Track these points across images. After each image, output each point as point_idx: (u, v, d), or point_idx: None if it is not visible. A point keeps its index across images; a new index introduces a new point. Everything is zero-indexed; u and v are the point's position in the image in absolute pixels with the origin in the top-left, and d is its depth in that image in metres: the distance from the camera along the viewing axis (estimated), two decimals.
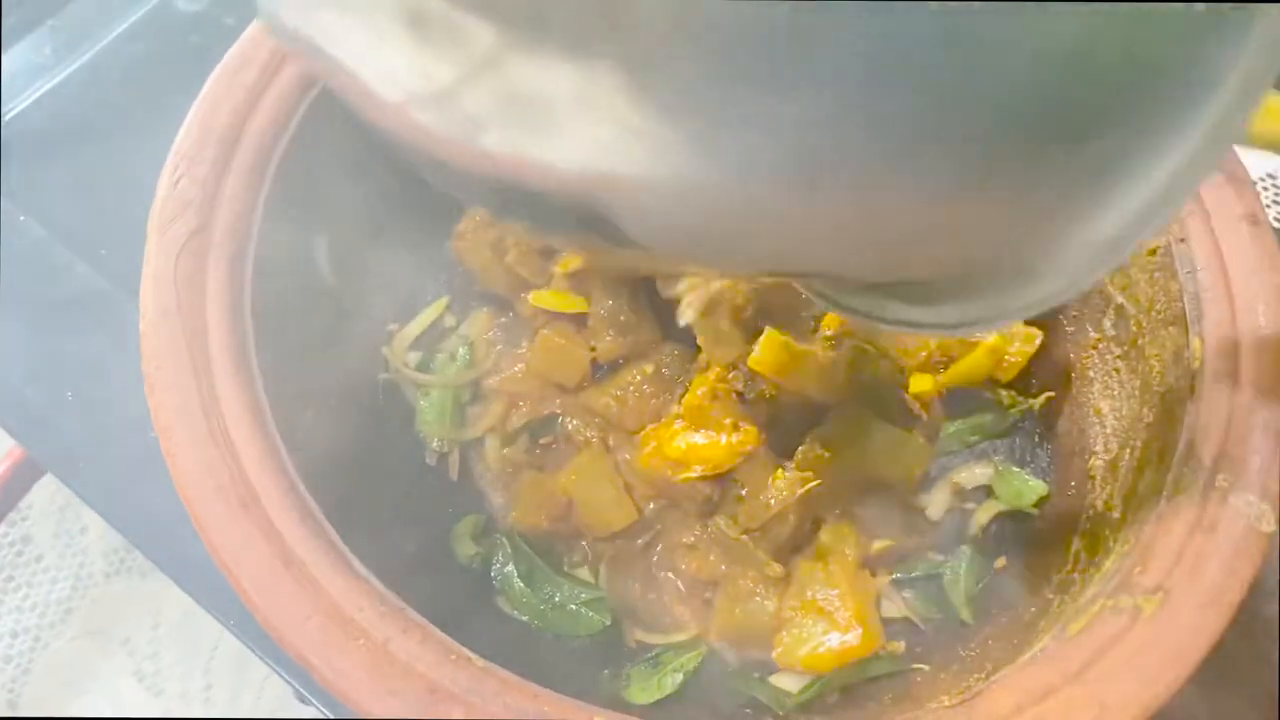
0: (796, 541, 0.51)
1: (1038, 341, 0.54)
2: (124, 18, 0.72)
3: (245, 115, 0.45)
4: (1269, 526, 0.38)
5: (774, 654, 0.49)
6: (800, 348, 0.51)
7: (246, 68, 0.45)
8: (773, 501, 0.49)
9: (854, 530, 0.51)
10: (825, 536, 0.51)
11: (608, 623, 0.51)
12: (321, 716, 0.54)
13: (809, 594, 0.49)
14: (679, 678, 0.49)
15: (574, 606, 0.52)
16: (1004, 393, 0.56)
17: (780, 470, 0.50)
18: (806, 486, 0.49)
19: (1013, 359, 0.54)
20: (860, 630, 0.48)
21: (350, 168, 0.51)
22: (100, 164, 0.67)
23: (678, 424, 0.51)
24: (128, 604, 0.80)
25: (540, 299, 0.55)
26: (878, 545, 0.52)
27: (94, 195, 0.66)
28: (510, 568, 0.52)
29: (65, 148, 0.67)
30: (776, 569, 0.50)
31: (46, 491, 0.85)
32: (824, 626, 0.48)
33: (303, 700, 0.57)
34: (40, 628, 0.79)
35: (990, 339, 0.54)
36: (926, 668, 0.48)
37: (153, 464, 0.37)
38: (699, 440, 0.50)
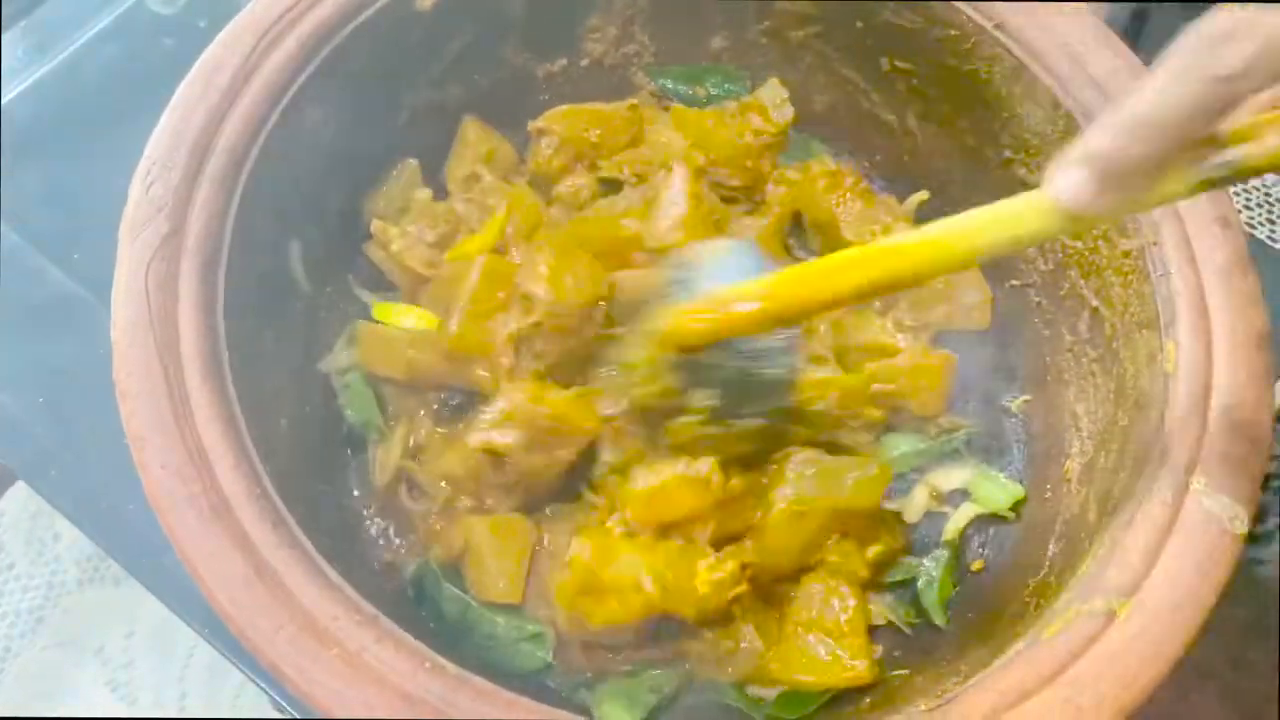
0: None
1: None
2: (96, 20, 0.71)
3: (218, 120, 0.44)
4: (1242, 528, 0.38)
5: (769, 668, 0.48)
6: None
7: (220, 72, 0.45)
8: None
9: (860, 549, 0.51)
10: (833, 555, 0.50)
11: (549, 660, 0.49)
12: None
13: (814, 613, 0.49)
14: (653, 699, 0.48)
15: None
16: (937, 423, 0.57)
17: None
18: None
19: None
20: (865, 663, 0.47)
21: (323, 173, 0.50)
22: (73, 168, 0.66)
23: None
24: (101, 612, 0.79)
25: (381, 312, 0.55)
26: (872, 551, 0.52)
27: (66, 200, 0.65)
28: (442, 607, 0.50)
29: (37, 152, 0.66)
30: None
31: (18, 499, 0.84)
32: (825, 651, 0.48)
33: (278, 709, 0.56)
34: (11, 637, 0.78)
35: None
36: (905, 672, 0.48)
37: (126, 471, 0.37)
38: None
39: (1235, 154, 0.31)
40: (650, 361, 0.47)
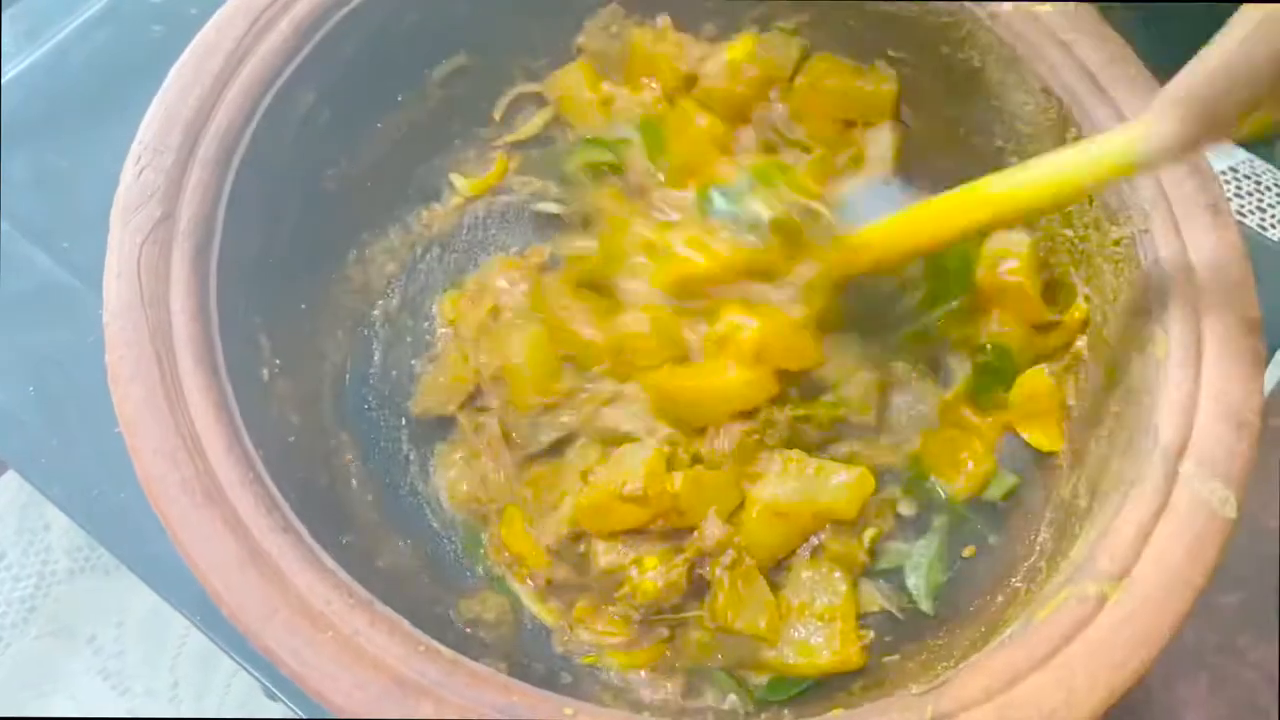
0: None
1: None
2: (86, 6, 0.71)
3: (211, 104, 0.44)
4: (1232, 512, 0.38)
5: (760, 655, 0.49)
6: None
7: (211, 56, 0.45)
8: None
9: (857, 536, 0.51)
10: (833, 544, 0.51)
11: None
12: (290, 714, 0.54)
13: (805, 599, 0.49)
14: None
15: None
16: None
17: None
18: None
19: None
20: (855, 648, 0.47)
21: (316, 157, 0.50)
22: (62, 155, 0.66)
23: None
24: (92, 601, 0.79)
25: None
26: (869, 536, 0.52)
27: (56, 187, 0.65)
28: None
29: (26, 138, 0.66)
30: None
31: (9, 488, 0.84)
32: (818, 637, 0.48)
33: (271, 697, 0.56)
34: (2, 627, 0.78)
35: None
36: (896, 657, 0.48)
37: (117, 459, 0.37)
38: None
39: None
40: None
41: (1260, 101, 0.31)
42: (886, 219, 0.48)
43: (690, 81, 0.59)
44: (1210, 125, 0.32)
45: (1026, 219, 0.52)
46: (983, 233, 0.51)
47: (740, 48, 0.58)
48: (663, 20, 0.59)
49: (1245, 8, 0.30)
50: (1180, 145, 0.34)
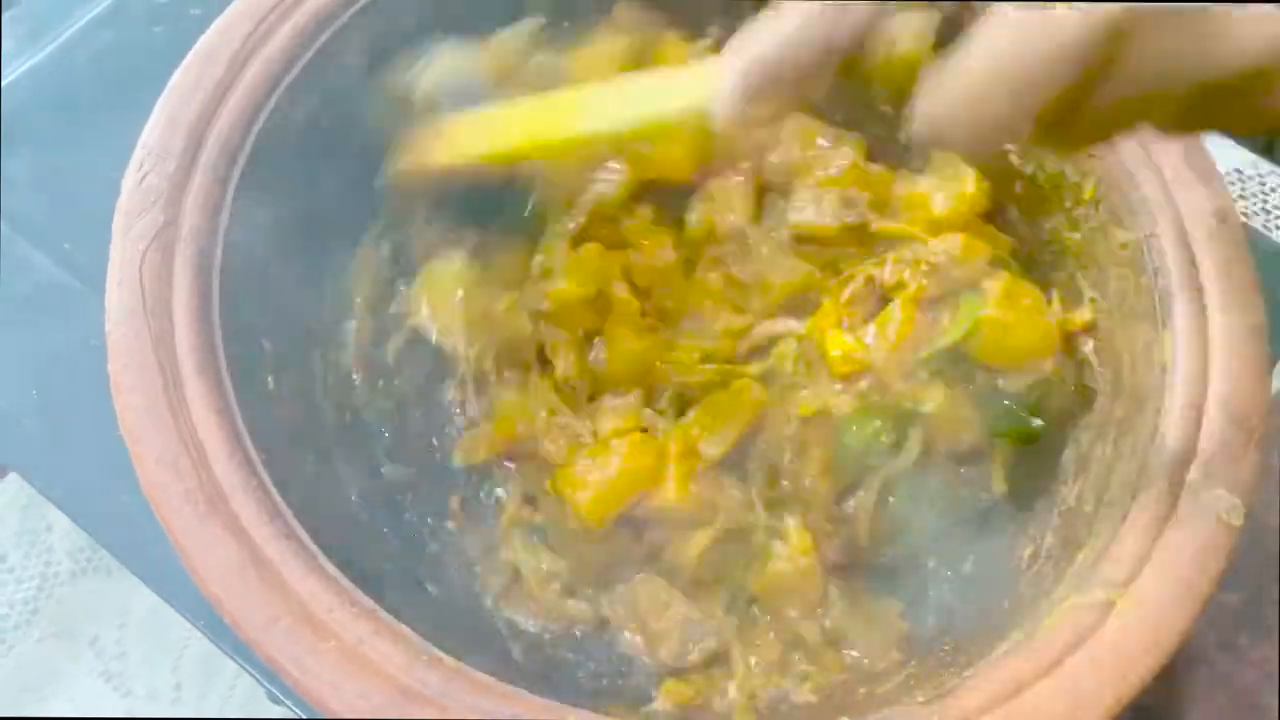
0: None
1: None
2: (88, 8, 0.71)
3: (213, 110, 0.44)
4: (1238, 520, 0.38)
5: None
6: None
7: (214, 61, 0.45)
8: None
9: None
10: None
11: None
12: (292, 716, 0.54)
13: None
14: None
15: None
16: None
17: None
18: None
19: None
20: None
21: (320, 162, 0.50)
22: (64, 157, 0.65)
23: None
24: (95, 603, 0.79)
25: None
26: None
27: (57, 188, 0.65)
28: None
29: (27, 139, 0.66)
30: None
31: (10, 490, 0.84)
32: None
33: (274, 700, 0.56)
34: (5, 629, 0.77)
35: None
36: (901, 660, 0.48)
37: (119, 462, 0.37)
38: None
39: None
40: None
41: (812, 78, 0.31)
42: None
43: None
44: (769, 94, 0.32)
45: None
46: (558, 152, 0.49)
47: None
48: None
49: None
50: (737, 111, 0.33)
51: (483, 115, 0.46)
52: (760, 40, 0.32)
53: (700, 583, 0.50)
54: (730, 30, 0.59)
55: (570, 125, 0.42)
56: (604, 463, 0.49)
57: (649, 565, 0.50)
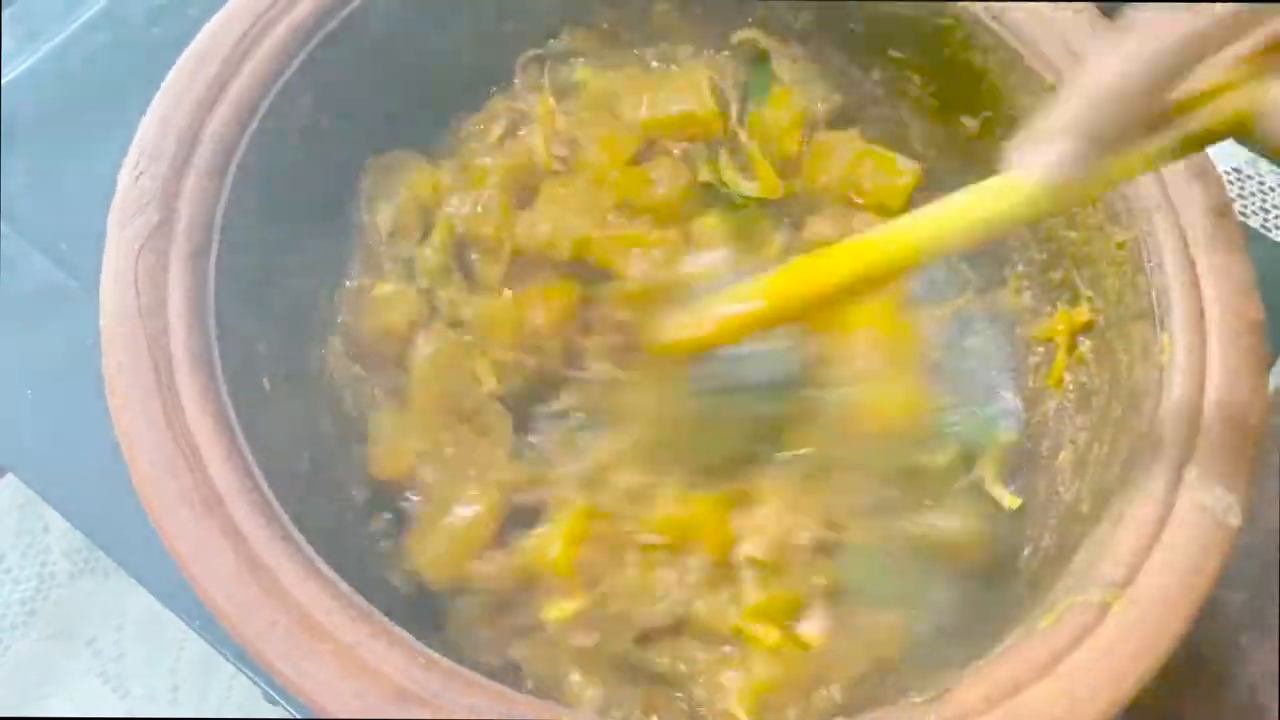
0: None
1: None
2: (84, 8, 0.71)
3: (207, 110, 0.44)
4: (1235, 520, 0.38)
5: None
6: None
7: (209, 62, 0.45)
8: None
9: None
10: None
11: None
12: (289, 717, 0.54)
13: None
14: None
15: None
16: None
17: None
18: None
19: None
20: None
21: (314, 162, 0.50)
22: (62, 157, 0.65)
23: None
24: (92, 604, 0.79)
25: None
26: None
27: (55, 189, 0.65)
28: None
29: (25, 140, 0.66)
30: None
31: (7, 490, 0.84)
32: None
33: (271, 701, 0.56)
34: (3, 630, 0.78)
35: None
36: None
37: (115, 462, 0.37)
38: None
39: (1189, 123, 0.31)
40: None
41: (1138, 127, 0.31)
42: (783, 268, 0.43)
43: None
44: (1098, 151, 0.31)
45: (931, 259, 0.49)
46: (887, 278, 0.44)
47: None
48: None
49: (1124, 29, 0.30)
50: (1075, 175, 0.32)
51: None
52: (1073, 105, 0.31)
53: None
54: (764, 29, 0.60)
55: (886, 261, 0.39)
56: None
57: None
